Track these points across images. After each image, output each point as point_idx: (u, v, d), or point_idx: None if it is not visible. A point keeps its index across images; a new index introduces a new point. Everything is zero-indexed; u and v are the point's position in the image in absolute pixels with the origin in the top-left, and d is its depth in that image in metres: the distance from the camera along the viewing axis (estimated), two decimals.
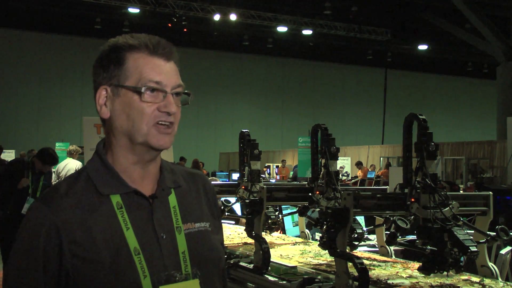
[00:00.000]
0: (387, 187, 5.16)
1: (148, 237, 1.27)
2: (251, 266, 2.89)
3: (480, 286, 2.42)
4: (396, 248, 3.40)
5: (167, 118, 1.29)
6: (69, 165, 9.55)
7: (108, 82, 1.31)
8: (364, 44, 24.81)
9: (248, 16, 20.98)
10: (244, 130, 3.36)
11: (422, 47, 24.92)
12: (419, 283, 2.46)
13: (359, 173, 18.36)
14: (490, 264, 2.58)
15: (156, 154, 1.34)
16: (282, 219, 4.20)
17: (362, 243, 2.48)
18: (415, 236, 2.21)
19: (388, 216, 2.56)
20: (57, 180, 9.66)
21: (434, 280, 2.48)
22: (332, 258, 2.81)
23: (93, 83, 1.35)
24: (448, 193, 2.21)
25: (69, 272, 1.21)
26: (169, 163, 1.45)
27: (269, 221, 3.29)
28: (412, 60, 27.98)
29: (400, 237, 2.20)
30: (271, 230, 3.39)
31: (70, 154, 9.78)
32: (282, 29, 22.21)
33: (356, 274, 2.16)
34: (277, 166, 21.32)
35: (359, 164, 18.77)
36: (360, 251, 3.28)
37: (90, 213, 1.25)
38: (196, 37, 24.09)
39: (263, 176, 14.15)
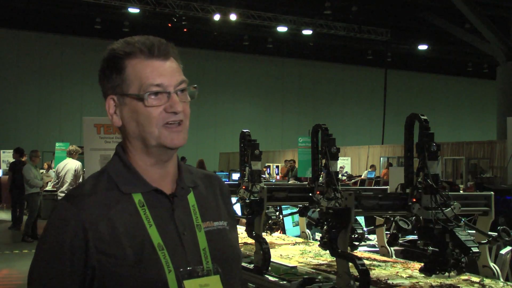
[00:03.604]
0: (387, 187, 5.14)
1: (170, 234, 1.30)
2: (252, 266, 2.88)
3: (480, 286, 2.41)
4: (396, 248, 3.40)
5: (175, 118, 1.31)
6: (69, 165, 9.54)
7: (114, 92, 1.34)
8: (364, 44, 24.81)
9: (248, 16, 20.97)
10: (244, 130, 3.35)
11: (422, 47, 24.92)
12: (419, 283, 2.45)
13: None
14: (492, 265, 2.57)
15: (173, 153, 1.36)
16: (282, 219, 4.19)
17: (362, 243, 2.47)
18: (416, 236, 2.20)
19: (388, 216, 2.56)
20: (57, 180, 9.66)
21: (434, 280, 2.47)
22: (332, 258, 2.80)
23: (101, 91, 1.37)
24: (449, 193, 2.20)
25: (95, 267, 1.24)
26: (186, 164, 1.47)
27: (270, 222, 3.28)
28: (412, 60, 27.98)
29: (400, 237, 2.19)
30: (271, 230, 3.39)
31: (70, 154, 9.78)
32: (282, 29, 22.21)
33: (356, 274, 2.16)
34: (277, 166, 21.30)
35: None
36: (360, 251, 3.27)
37: (114, 211, 1.28)
38: (196, 37, 24.09)
39: (264, 176, 14.11)
